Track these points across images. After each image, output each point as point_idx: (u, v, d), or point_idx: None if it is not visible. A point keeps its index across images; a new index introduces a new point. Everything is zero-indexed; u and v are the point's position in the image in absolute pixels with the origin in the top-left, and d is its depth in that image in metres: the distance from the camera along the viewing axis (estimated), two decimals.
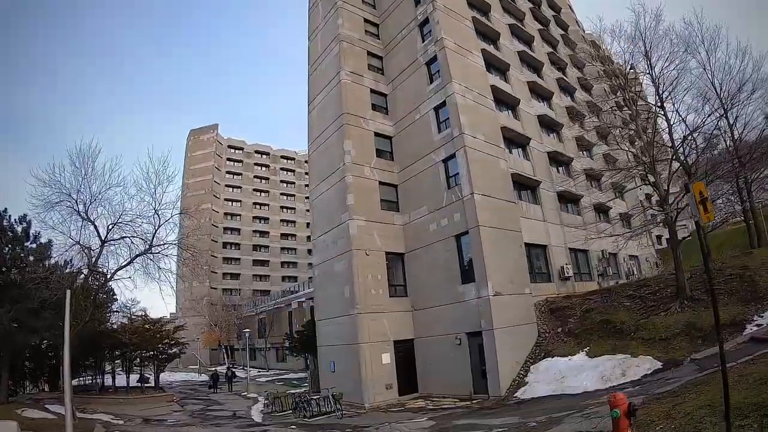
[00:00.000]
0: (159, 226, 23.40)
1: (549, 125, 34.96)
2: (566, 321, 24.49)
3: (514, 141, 29.60)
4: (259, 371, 55.48)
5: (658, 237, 56.68)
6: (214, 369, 35.87)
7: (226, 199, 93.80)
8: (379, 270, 25.59)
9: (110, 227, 23.22)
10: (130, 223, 23.36)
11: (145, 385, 33.95)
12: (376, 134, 28.49)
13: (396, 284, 26.33)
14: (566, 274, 29.08)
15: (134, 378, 34.38)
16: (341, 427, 18.15)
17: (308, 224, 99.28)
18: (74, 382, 36.43)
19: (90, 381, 32.80)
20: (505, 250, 24.02)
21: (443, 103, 26.08)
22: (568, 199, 33.71)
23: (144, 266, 23.83)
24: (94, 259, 23.03)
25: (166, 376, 46.44)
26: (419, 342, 25.41)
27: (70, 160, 22.75)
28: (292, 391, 28.99)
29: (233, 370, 51.73)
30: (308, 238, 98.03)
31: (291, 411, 23.51)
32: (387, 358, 24.24)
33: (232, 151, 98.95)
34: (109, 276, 23.20)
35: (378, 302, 24.85)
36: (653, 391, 13.46)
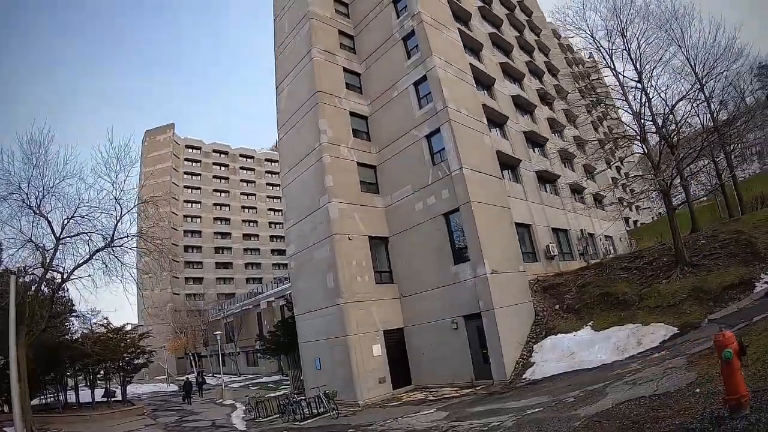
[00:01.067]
0: (121, 217, 21.23)
1: (523, 106, 34.72)
2: (562, 298, 23.67)
3: (493, 120, 28.70)
4: (231, 377, 53.10)
5: (626, 219, 57.50)
6: (185, 377, 33.41)
7: (185, 201, 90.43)
8: (364, 256, 24.01)
9: (66, 222, 20.90)
10: (87, 216, 21.11)
11: (112, 399, 31.11)
12: (352, 114, 26.88)
13: (381, 270, 24.82)
14: (552, 253, 28.72)
15: (99, 393, 31.71)
16: (341, 428, 16.47)
17: (270, 224, 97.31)
18: (34, 401, 33.92)
19: (52, 398, 29.99)
20: (498, 227, 22.96)
21: (423, 78, 24.74)
22: (546, 180, 33.59)
23: (105, 264, 21.59)
24: (48, 259, 20.74)
25: (133, 389, 43.75)
26: (410, 331, 23.97)
27: (21, 148, 20.44)
28: (273, 395, 27.22)
29: (204, 376, 49.54)
30: (271, 238, 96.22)
31: (278, 415, 21.73)
32: (378, 349, 22.71)
33: (190, 151, 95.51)
34: (65, 275, 20.81)
35: (364, 290, 23.27)
36: (689, 351, 12.79)
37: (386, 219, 25.67)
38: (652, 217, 71.53)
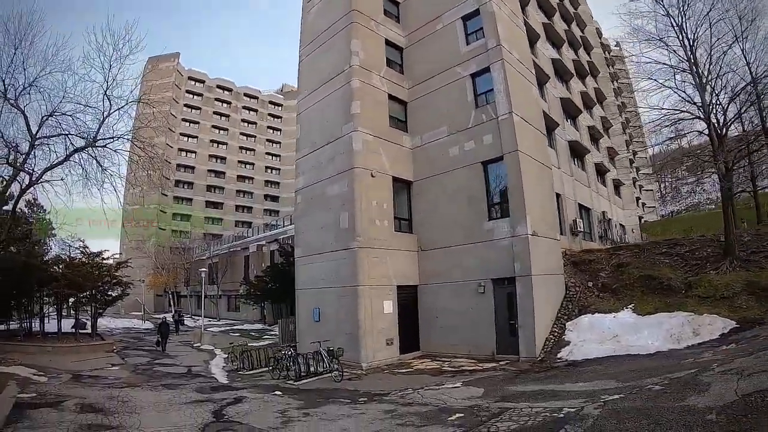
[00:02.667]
0: (109, 114, 18.28)
1: (560, 72, 32.70)
2: (596, 275, 21.65)
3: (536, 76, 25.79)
4: (210, 320, 50.50)
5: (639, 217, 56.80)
6: (162, 317, 30.75)
7: (181, 134, 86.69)
8: (385, 198, 21.13)
9: (45, 119, 17.91)
10: (71, 114, 18.10)
11: (81, 331, 28.34)
12: (387, 42, 23.65)
13: (400, 218, 22.01)
14: (578, 229, 27.20)
15: (69, 323, 29.06)
16: (348, 394, 13.74)
17: (267, 168, 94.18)
18: None
19: (18, 325, 27.23)
20: (540, 187, 20.38)
21: (475, 12, 21.58)
22: (576, 153, 31.71)
23: (84, 169, 18.57)
24: (21, 160, 17.79)
25: (105, 322, 40.94)
26: (425, 290, 21.35)
27: (2, 27, 17.28)
28: (256, 344, 24.77)
29: (182, 315, 47.30)
30: (266, 183, 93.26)
31: (266, 369, 19.14)
32: (389, 306, 20.03)
33: (193, 83, 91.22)
34: (35, 177, 17.82)
35: (382, 236, 20.47)
36: None
37: (412, 161, 22.85)
38: (660, 216, 70.17)
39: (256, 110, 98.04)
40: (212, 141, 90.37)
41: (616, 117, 46.87)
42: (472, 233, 19.91)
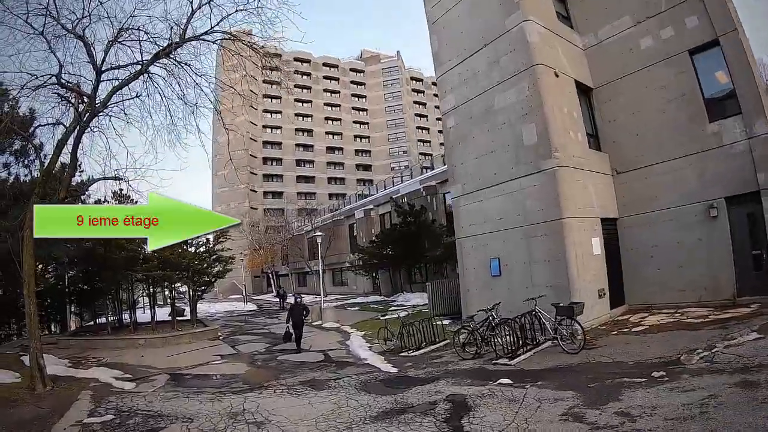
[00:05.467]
0: (197, 10, 12.70)
1: None
2: None
3: None
4: (315, 297, 46.30)
5: None
6: (294, 296, 26.40)
7: (264, 111, 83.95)
8: (573, 105, 15.76)
9: (110, 45, 12.76)
10: (142, 31, 12.75)
11: (178, 318, 24.07)
12: None
13: (586, 133, 16.39)
14: None
15: (163, 313, 24.90)
16: (620, 370, 8.83)
17: (356, 137, 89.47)
18: (74, 321, 27.71)
19: (112, 317, 23.21)
20: None
21: None
22: None
23: (163, 96, 13.41)
24: (84, 103, 12.53)
25: (205, 307, 37.36)
26: (628, 223, 15.94)
27: None
28: (388, 317, 19.38)
29: (285, 292, 43.38)
30: (357, 152, 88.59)
31: (441, 346, 14.36)
32: (597, 245, 14.81)
33: (269, 59, 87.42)
34: (99, 102, 12.35)
35: (578, 152, 15.13)
36: None
37: (588, 64, 17.22)
38: None
39: (337, 79, 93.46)
40: (296, 114, 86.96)
41: None
42: (686, 142, 14.62)
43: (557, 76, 15.15)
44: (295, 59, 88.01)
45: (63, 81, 12.27)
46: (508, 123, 15.66)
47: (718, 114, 14.17)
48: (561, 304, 11.90)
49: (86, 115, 12.25)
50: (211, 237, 26.22)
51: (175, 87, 13.36)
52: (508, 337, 11.65)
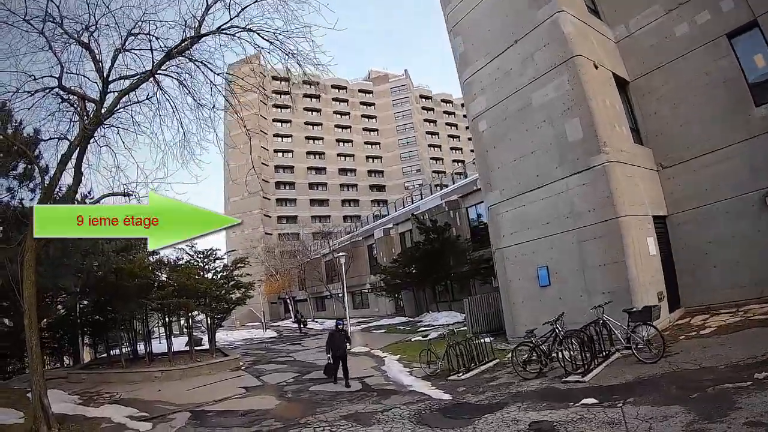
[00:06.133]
0: (213, 3, 11.66)
1: None
2: None
3: None
4: (337, 320, 44.76)
5: None
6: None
7: (275, 135, 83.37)
8: (614, 98, 14.78)
9: (116, 54, 11.69)
10: (153, 36, 11.74)
11: (196, 348, 22.71)
12: None
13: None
14: None
15: (180, 343, 23.67)
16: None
17: (368, 158, 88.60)
18: (87, 353, 26.57)
19: (127, 348, 21.97)
20: None
21: None
22: None
23: (172, 103, 12.41)
24: (92, 111, 11.49)
25: (223, 336, 35.86)
26: (679, 220, 14.85)
27: None
28: (419, 339, 18.07)
29: (304, 317, 42.27)
30: (369, 172, 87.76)
31: (492, 367, 13.02)
32: (652, 245, 13.73)
33: (278, 83, 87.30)
34: (105, 109, 11.24)
35: (625, 147, 14.21)
36: None
37: (620, 56, 16.23)
38: None
39: (346, 101, 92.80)
40: (307, 138, 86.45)
41: None
42: (733, 130, 13.61)
43: (596, 68, 14.12)
44: (304, 82, 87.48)
45: (66, 86, 11.29)
46: (549, 120, 14.54)
47: (765, 97, 13.12)
48: (634, 309, 10.76)
49: (91, 122, 11.18)
50: (228, 262, 25.25)
51: (187, 98, 12.26)
52: (573, 351, 10.35)
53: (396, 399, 10.96)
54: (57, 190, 11.54)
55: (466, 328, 19.68)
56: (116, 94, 11.75)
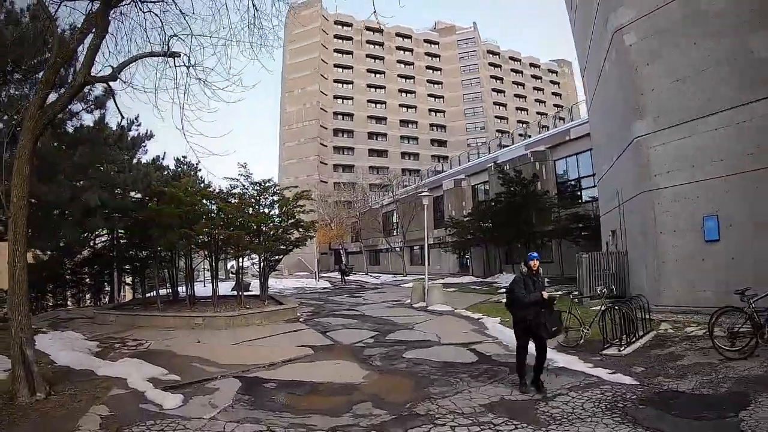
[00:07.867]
0: None
1: None
2: None
3: None
4: (394, 277, 42.10)
5: None
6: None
7: (335, 81, 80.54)
8: None
9: None
10: None
11: (245, 294, 19.84)
12: None
13: None
14: None
15: (226, 287, 21.45)
16: None
17: (431, 111, 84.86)
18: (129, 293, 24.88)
19: (163, 290, 19.41)
20: None
21: None
22: None
23: None
24: None
25: (272, 282, 33.14)
26: None
27: None
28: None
29: (348, 267, 40.69)
30: (431, 126, 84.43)
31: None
32: None
33: (340, 27, 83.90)
34: None
35: None
36: None
37: None
38: None
39: (411, 50, 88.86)
40: (368, 85, 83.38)
41: None
42: None
43: None
44: (367, 28, 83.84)
45: None
46: (726, 31, 10.90)
47: None
48: None
49: None
50: (290, 195, 21.89)
51: None
52: None
53: (549, 381, 7.43)
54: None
55: (576, 292, 16.38)
56: None
